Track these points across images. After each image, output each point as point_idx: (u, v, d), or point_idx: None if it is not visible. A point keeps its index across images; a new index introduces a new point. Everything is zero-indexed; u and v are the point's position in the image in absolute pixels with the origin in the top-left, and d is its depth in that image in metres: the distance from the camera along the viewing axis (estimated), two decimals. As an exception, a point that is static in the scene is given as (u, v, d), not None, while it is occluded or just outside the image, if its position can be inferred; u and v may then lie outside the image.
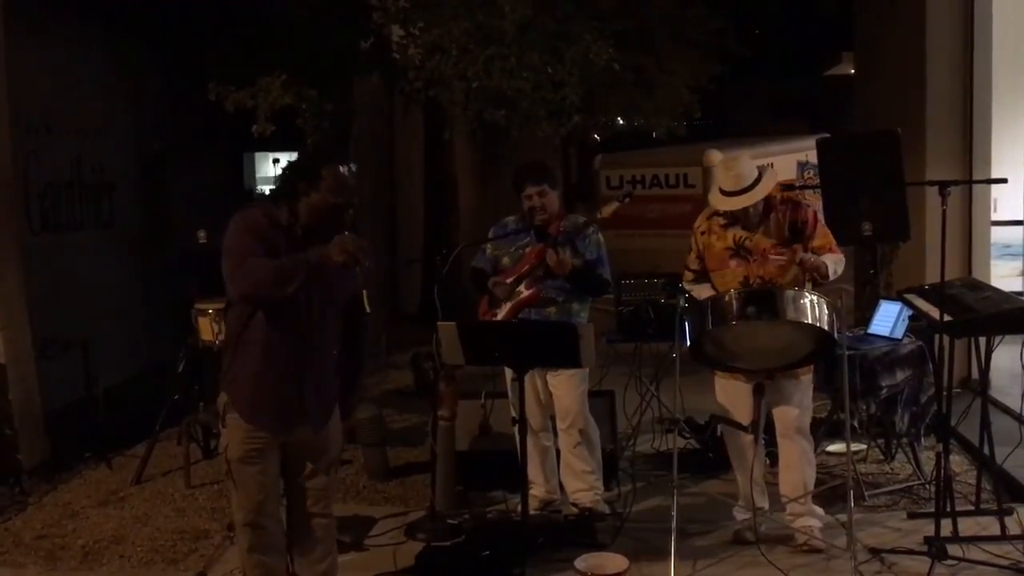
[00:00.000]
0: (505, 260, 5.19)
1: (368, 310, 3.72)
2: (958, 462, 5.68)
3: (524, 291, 5.06)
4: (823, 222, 4.88)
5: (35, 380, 6.33)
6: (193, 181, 8.89)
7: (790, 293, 4.41)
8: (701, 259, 4.89)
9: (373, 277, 3.67)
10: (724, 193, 4.69)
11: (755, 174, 4.68)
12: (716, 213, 4.83)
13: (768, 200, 4.73)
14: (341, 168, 3.65)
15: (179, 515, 5.52)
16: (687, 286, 4.94)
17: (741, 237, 4.74)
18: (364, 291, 3.71)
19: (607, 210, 5.06)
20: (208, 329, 5.95)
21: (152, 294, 8.30)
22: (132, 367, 8.12)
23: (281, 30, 7.30)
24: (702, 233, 4.87)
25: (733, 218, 4.75)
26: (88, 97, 7.96)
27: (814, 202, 6.82)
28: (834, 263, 4.69)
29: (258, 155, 13.33)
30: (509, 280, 5.09)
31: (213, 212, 5.82)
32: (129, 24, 8.00)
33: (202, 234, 6.00)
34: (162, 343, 7.46)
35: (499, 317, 5.08)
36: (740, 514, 4.88)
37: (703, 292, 4.83)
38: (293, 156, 5.79)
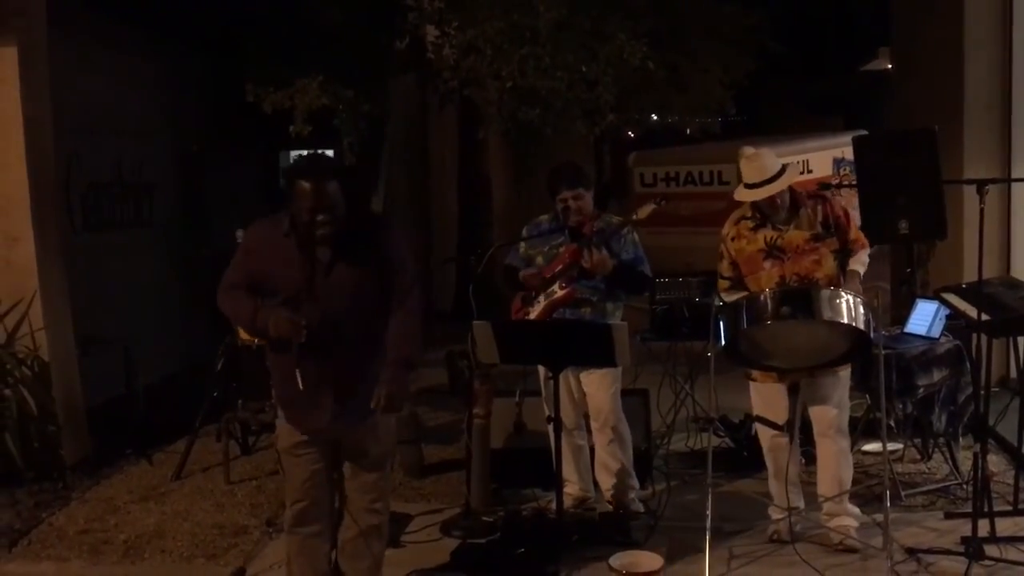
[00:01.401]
0: (539, 259, 5.21)
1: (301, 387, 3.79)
2: (996, 462, 5.64)
3: (558, 291, 5.08)
4: (853, 217, 4.87)
5: (77, 377, 6.44)
6: (230, 181, 8.99)
7: (826, 293, 4.39)
8: (735, 266, 4.86)
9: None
10: (747, 186, 4.69)
11: (778, 166, 4.68)
12: (744, 217, 4.82)
13: (795, 196, 4.72)
14: (305, 183, 3.71)
15: (219, 510, 5.60)
16: (724, 295, 4.86)
17: (772, 237, 4.73)
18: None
19: (643, 212, 5.05)
20: (246, 328, 6.02)
21: (191, 293, 8.39)
22: (171, 365, 8.23)
23: (317, 31, 7.36)
24: (732, 239, 4.84)
25: (762, 219, 4.74)
26: (128, 99, 8.07)
27: (851, 199, 6.79)
28: (863, 263, 4.76)
29: (293, 154, 13.44)
30: (546, 276, 5.11)
31: (250, 211, 5.92)
32: (168, 26, 8.09)
33: (240, 233, 6.06)
34: (201, 341, 7.55)
35: (532, 316, 5.10)
36: (775, 513, 4.87)
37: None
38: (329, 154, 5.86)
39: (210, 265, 6.76)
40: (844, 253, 4.76)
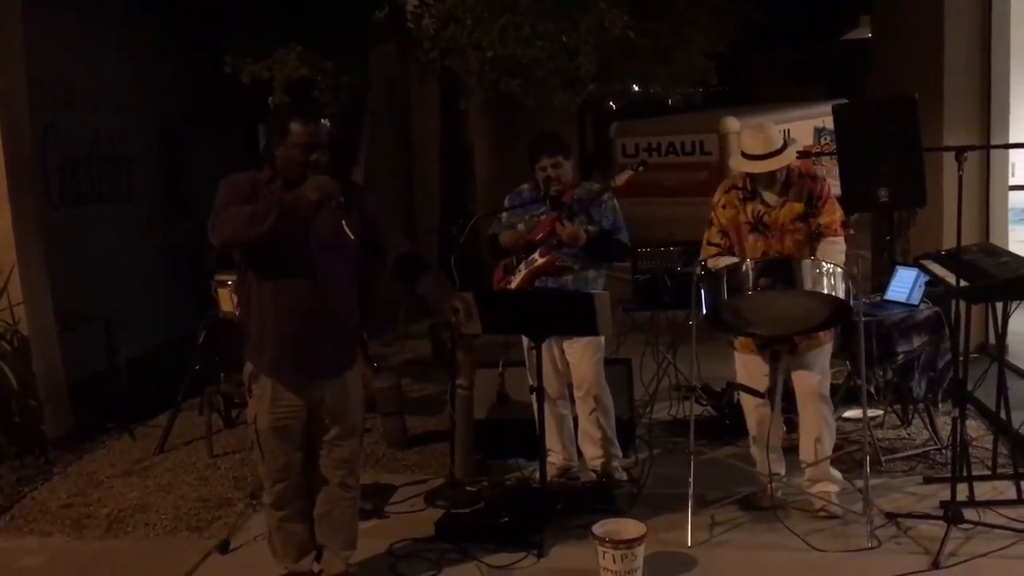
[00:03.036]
0: (520, 228, 5.20)
1: (352, 237, 3.82)
2: (975, 427, 5.69)
3: (538, 259, 5.08)
4: (835, 200, 4.82)
5: (57, 352, 6.41)
6: (210, 153, 8.91)
7: (807, 263, 4.40)
8: (724, 233, 4.83)
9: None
10: (749, 157, 4.64)
11: (780, 141, 4.66)
12: (735, 187, 4.80)
13: (789, 173, 4.70)
14: (305, 122, 3.81)
15: (202, 484, 5.60)
16: (710, 263, 4.76)
17: (760, 212, 4.72)
18: (344, 220, 3.80)
19: (620, 179, 5.06)
20: (228, 300, 6.00)
21: (172, 266, 8.36)
22: (153, 339, 8.20)
23: (296, 1, 7.29)
24: (723, 207, 4.83)
25: (752, 191, 4.73)
26: (106, 71, 7.98)
27: (831, 168, 6.81)
28: (831, 255, 4.55)
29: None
30: (528, 240, 5.11)
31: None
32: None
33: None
34: (182, 315, 7.52)
35: (513, 285, 5.10)
36: (757, 480, 4.89)
37: (724, 264, 4.77)
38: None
39: (191, 238, 6.74)
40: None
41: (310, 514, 4.11)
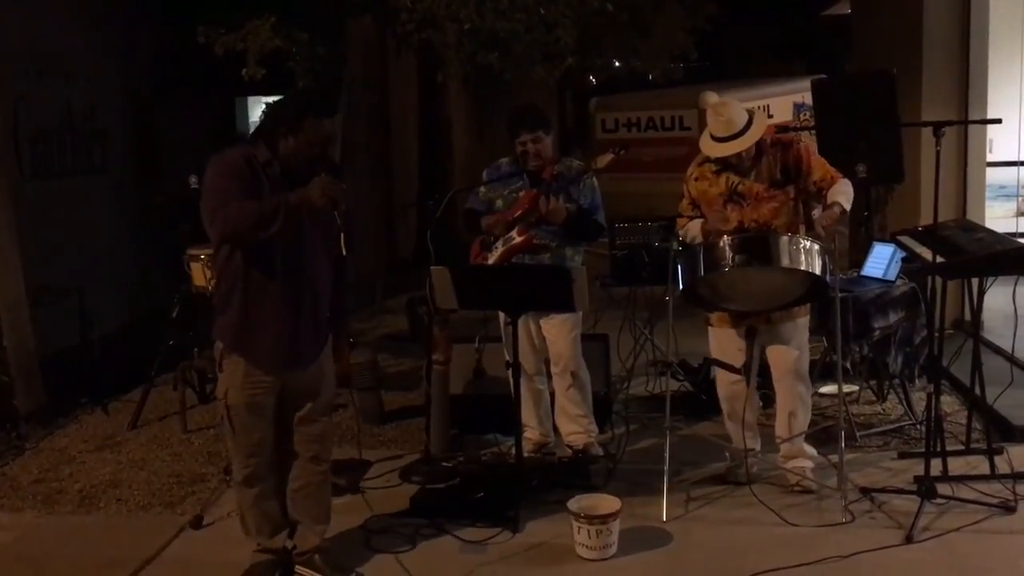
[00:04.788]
0: (499, 203, 5.17)
1: (345, 252, 3.76)
2: (949, 402, 5.73)
3: (516, 237, 5.04)
4: (816, 154, 4.79)
5: (29, 327, 6.34)
6: (184, 126, 8.81)
7: (783, 239, 4.39)
8: (695, 206, 4.83)
9: (368, 222, 3.73)
10: (715, 139, 4.63)
11: (745, 118, 4.61)
12: (707, 159, 4.79)
13: (759, 144, 4.68)
14: (323, 120, 3.71)
15: (175, 459, 5.56)
16: (682, 232, 4.82)
17: (734, 182, 4.70)
18: (343, 233, 3.73)
19: (601, 161, 5.02)
20: (201, 274, 5.95)
21: (145, 240, 8.27)
22: (127, 313, 8.12)
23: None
24: (695, 180, 4.82)
25: (725, 163, 4.71)
26: (78, 41, 7.86)
27: (810, 144, 6.79)
28: (844, 194, 4.54)
29: (250, 99, 13.25)
30: (508, 220, 5.07)
31: (204, 157, 5.78)
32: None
33: (193, 179, 5.95)
34: (156, 289, 7.44)
35: (491, 261, 5.07)
36: (732, 456, 4.90)
37: (695, 228, 4.77)
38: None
39: (164, 212, 6.67)
40: (807, 198, 4.73)
41: (283, 491, 4.08)
